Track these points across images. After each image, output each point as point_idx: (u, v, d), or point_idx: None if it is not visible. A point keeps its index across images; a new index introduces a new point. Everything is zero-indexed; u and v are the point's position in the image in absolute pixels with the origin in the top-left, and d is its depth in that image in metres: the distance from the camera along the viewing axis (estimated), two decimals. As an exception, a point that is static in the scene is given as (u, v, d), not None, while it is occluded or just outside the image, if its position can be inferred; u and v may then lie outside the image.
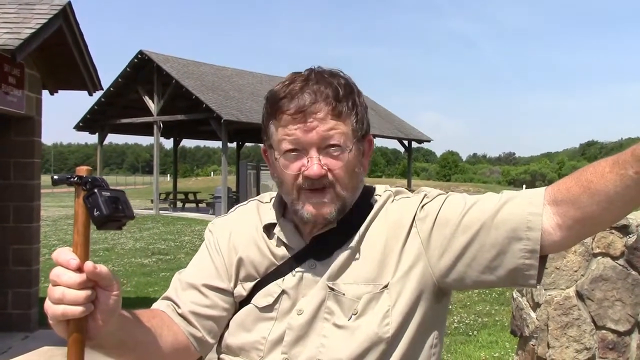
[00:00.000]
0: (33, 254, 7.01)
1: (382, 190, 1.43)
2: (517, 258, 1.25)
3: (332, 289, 1.30)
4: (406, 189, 1.48)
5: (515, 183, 64.28)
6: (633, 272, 3.87)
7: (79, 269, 1.02)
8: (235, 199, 23.39)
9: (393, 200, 1.41)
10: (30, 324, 7.04)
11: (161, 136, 26.66)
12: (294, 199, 1.32)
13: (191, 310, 1.36)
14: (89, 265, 1.03)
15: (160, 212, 25.24)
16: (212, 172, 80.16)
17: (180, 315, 1.36)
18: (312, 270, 1.34)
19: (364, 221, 1.36)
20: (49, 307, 1.04)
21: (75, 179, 1.06)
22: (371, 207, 1.39)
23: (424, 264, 1.30)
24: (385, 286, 1.29)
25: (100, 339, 1.10)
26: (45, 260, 12.46)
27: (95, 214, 1.04)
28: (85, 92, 7.83)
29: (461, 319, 7.61)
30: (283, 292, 1.33)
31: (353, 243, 1.34)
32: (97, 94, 9.73)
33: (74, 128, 26.89)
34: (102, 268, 1.04)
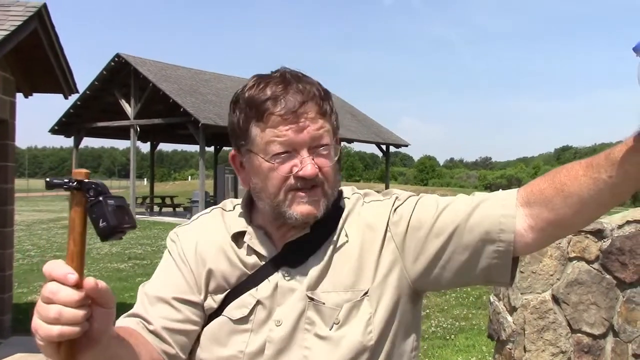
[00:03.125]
0: (6, 259, 6.90)
1: (349, 192, 1.42)
2: (491, 259, 1.26)
3: (312, 299, 1.27)
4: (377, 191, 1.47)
5: (491, 187, 64.83)
6: (607, 276, 3.92)
7: (77, 285, 0.93)
8: (213, 203, 23.23)
9: (363, 203, 1.39)
10: (4, 331, 6.93)
11: (138, 140, 26.46)
12: (280, 202, 1.27)
13: (163, 325, 1.29)
14: (90, 282, 0.94)
15: (137, 216, 25.00)
16: (189, 176, 79.78)
17: (152, 332, 1.28)
18: (287, 278, 1.30)
19: (336, 225, 1.35)
20: (41, 327, 0.94)
21: (75, 184, 0.97)
22: (341, 210, 1.37)
23: (400, 268, 1.30)
24: (365, 293, 1.28)
25: (89, 358, 1.02)
26: (19, 265, 12.28)
27: (101, 225, 0.96)
28: (61, 95, 7.75)
29: (439, 323, 7.65)
30: (258, 302, 1.29)
31: (328, 249, 1.32)
32: (73, 97, 9.62)
33: (49, 131, 26.59)
34: (102, 284, 0.96)
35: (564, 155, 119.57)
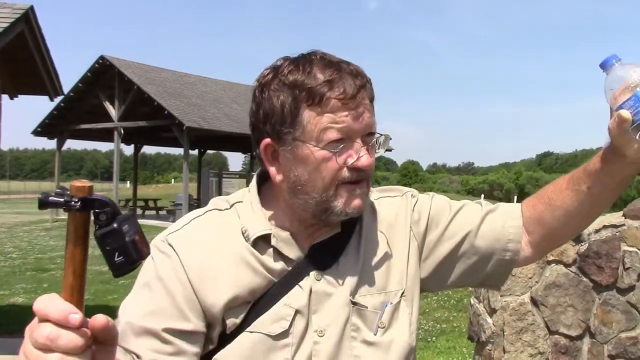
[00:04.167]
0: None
1: None
2: (496, 266, 1.32)
3: (355, 304, 1.19)
4: None
5: (474, 192, 65.14)
6: (584, 279, 4.01)
7: (80, 326, 0.75)
8: (197, 206, 23.12)
9: (374, 199, 1.34)
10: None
11: (122, 142, 26.33)
12: (331, 196, 1.15)
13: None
14: (100, 321, 0.76)
15: (120, 219, 24.81)
16: (172, 179, 79.27)
17: None
18: (320, 283, 1.19)
19: (355, 224, 1.27)
20: None
21: (78, 203, 0.76)
22: None
23: (418, 268, 1.30)
24: (402, 293, 1.25)
25: None
26: (0, 268, 12.20)
27: (117, 260, 0.78)
28: (43, 97, 7.75)
29: (420, 326, 7.68)
30: (297, 312, 1.16)
31: (357, 249, 1.25)
32: (57, 99, 9.60)
33: (32, 133, 26.33)
34: (112, 321, 0.78)
35: (545, 161, 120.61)
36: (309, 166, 1.14)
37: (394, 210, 1.33)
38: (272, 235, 1.19)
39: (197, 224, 1.23)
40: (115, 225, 0.77)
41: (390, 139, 1.21)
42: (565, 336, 4.09)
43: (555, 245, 1.38)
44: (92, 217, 0.77)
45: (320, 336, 1.16)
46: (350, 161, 1.14)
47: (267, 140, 1.18)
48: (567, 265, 4.10)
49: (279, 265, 1.18)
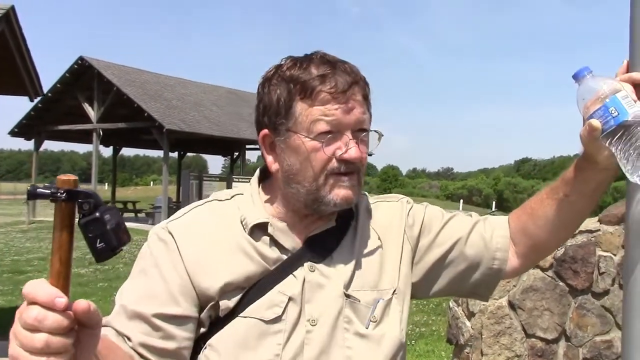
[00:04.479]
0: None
1: None
2: (484, 275, 1.37)
3: (348, 296, 1.23)
4: None
5: (452, 197, 65.61)
6: (561, 283, 4.09)
7: (65, 309, 0.80)
8: (176, 209, 23.06)
9: (370, 202, 1.39)
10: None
11: (100, 144, 26.12)
12: (320, 185, 1.21)
13: (142, 342, 1.17)
14: (82, 305, 0.81)
15: (98, 221, 24.61)
16: (151, 182, 78.75)
17: (132, 348, 1.17)
18: (313, 274, 1.24)
19: (350, 221, 1.32)
20: (24, 357, 0.80)
21: (64, 195, 0.82)
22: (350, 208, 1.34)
23: (410, 270, 1.34)
24: (394, 291, 1.29)
25: None
26: (-21, 268, 12.03)
27: (99, 246, 0.84)
28: (20, 97, 7.68)
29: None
30: (290, 299, 1.20)
31: (351, 245, 1.29)
32: (36, 100, 9.52)
33: (9, 134, 26.01)
34: (94, 306, 0.83)
35: (523, 167, 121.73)
36: (300, 156, 1.21)
37: (390, 213, 1.38)
38: (269, 224, 1.24)
39: (196, 213, 1.29)
40: (97, 214, 0.84)
41: (382, 135, 1.26)
42: (542, 339, 4.16)
43: (541, 255, 1.42)
44: (77, 209, 0.84)
45: (312, 325, 1.20)
46: (338, 153, 1.20)
47: (265, 131, 1.25)
48: (544, 270, 4.18)
49: (275, 254, 1.23)
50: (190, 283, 1.19)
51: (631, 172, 1.07)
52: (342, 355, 1.20)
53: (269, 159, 1.27)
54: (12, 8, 6.75)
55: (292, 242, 1.26)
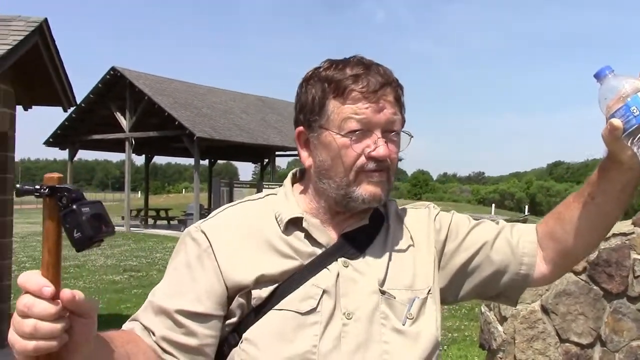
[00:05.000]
0: (5, 269, 6.94)
1: None
2: (511, 280, 1.37)
3: (384, 292, 1.25)
4: None
5: (484, 202, 64.97)
6: (595, 287, 4.02)
7: (53, 297, 0.87)
8: (207, 215, 23.16)
9: (398, 208, 1.42)
10: (2, 340, 6.96)
11: (133, 152, 26.51)
12: (350, 182, 1.24)
13: (165, 337, 1.20)
14: (67, 294, 0.88)
15: (131, 229, 25.00)
16: (183, 189, 79.56)
17: (155, 341, 1.21)
18: (347, 269, 1.25)
19: (382, 222, 1.35)
20: (17, 342, 0.88)
21: (46, 190, 0.90)
22: (385, 208, 1.38)
23: (438, 273, 1.36)
24: (429, 291, 1.30)
25: None
26: (15, 276, 12.26)
27: (75, 235, 0.89)
28: (54, 108, 7.83)
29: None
30: (324, 292, 1.22)
31: (384, 245, 1.31)
32: (69, 110, 9.71)
33: (44, 144, 26.60)
34: (79, 295, 0.90)
35: (556, 170, 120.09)
36: (331, 152, 1.25)
37: (418, 218, 1.40)
38: (303, 219, 1.28)
39: (229, 212, 1.34)
40: (74, 207, 0.89)
41: (412, 137, 1.30)
42: (576, 344, 4.09)
43: (571, 261, 1.40)
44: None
45: (348, 318, 1.21)
46: (367, 150, 1.23)
47: (300, 128, 1.31)
48: (577, 274, 4.11)
49: (309, 248, 1.26)
50: (222, 279, 1.22)
51: None
52: (379, 350, 1.21)
53: (304, 155, 1.32)
54: (45, 21, 6.91)
55: (326, 237, 1.28)
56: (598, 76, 1.13)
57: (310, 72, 1.31)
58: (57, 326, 0.88)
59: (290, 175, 1.40)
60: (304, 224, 1.28)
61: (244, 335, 1.21)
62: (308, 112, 1.28)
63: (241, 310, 1.23)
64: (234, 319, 1.23)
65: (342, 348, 1.19)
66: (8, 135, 7.06)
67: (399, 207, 1.43)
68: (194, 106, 25.06)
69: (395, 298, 1.25)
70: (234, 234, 1.27)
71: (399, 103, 1.28)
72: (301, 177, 1.39)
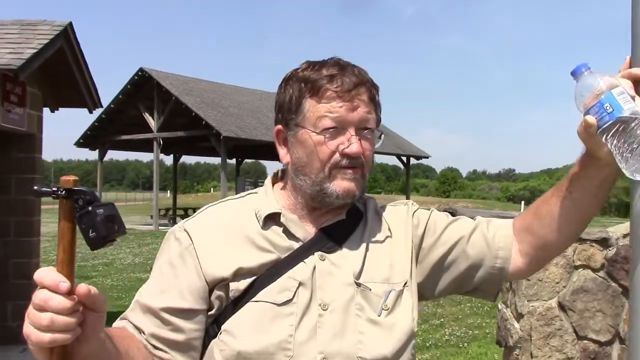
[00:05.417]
0: (32, 267, 7.11)
1: None
2: (487, 274, 1.39)
3: (359, 285, 1.29)
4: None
5: (514, 199, 64.25)
6: (613, 284, 3.99)
7: (68, 292, 0.93)
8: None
9: (377, 205, 1.46)
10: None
11: (161, 152, 26.84)
12: (324, 178, 1.29)
13: (153, 334, 1.25)
14: (83, 289, 0.94)
15: (160, 228, 25.32)
16: (212, 189, 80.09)
17: (145, 339, 1.26)
18: (324, 262, 1.30)
19: (360, 217, 1.39)
20: (33, 334, 0.93)
21: (63, 192, 0.96)
22: (363, 205, 1.43)
23: (416, 268, 1.39)
24: (405, 284, 1.33)
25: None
26: (45, 275, 12.46)
27: (91, 235, 0.95)
28: (86, 109, 8.00)
29: (452, 332, 7.73)
30: (300, 284, 1.26)
31: (361, 239, 1.35)
32: (98, 111, 9.90)
33: (75, 144, 27.07)
34: (94, 290, 0.96)
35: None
36: (307, 149, 1.30)
37: (397, 214, 1.44)
38: (281, 215, 1.32)
39: (212, 210, 1.39)
40: (89, 208, 0.95)
41: (382, 134, 1.36)
42: (594, 341, 4.07)
43: (547, 256, 1.42)
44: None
45: (324, 310, 1.25)
46: (341, 147, 1.28)
47: (279, 126, 1.36)
48: (595, 270, 4.09)
49: (286, 242, 1.31)
50: (202, 274, 1.27)
51: (626, 168, 1.06)
52: (354, 340, 1.24)
53: (282, 152, 1.37)
54: (70, 24, 7.06)
55: (304, 232, 1.33)
56: (574, 73, 1.14)
57: (289, 73, 1.35)
58: (72, 320, 0.93)
59: (270, 175, 1.45)
60: (282, 219, 1.32)
61: (223, 327, 1.25)
62: (286, 111, 1.33)
63: (220, 302, 1.27)
64: (213, 311, 1.28)
65: (318, 337, 1.23)
66: (36, 137, 7.24)
67: (379, 205, 1.46)
68: (221, 106, 25.28)
69: (371, 290, 1.29)
70: (215, 231, 1.32)
71: (373, 102, 1.32)
72: (282, 176, 1.43)
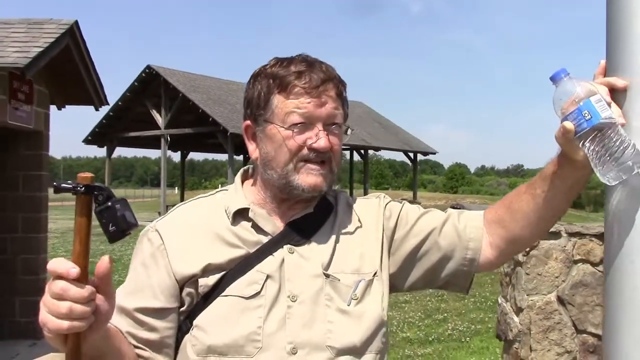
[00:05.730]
0: (40, 263, 7.20)
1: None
2: (458, 265, 1.41)
3: (328, 276, 1.32)
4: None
5: (522, 195, 63.72)
6: (612, 278, 4.02)
7: (79, 279, 1.00)
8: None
9: (349, 198, 1.49)
10: (38, 331, 7.22)
11: (168, 149, 26.90)
12: (290, 171, 1.31)
13: (130, 333, 1.30)
14: (105, 260, 1.03)
15: (168, 224, 25.36)
16: (219, 185, 79.86)
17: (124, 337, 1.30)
18: (292, 255, 1.33)
19: (330, 210, 1.42)
20: (51, 321, 1.00)
21: (82, 188, 1.01)
22: (334, 197, 1.45)
23: (387, 259, 1.42)
24: (375, 274, 1.36)
25: (88, 348, 1.07)
26: (53, 271, 12.57)
27: (111, 229, 1.02)
28: (91, 106, 8.08)
29: (455, 326, 7.77)
30: (268, 277, 1.29)
31: (330, 231, 1.38)
32: (105, 108, 9.99)
33: (83, 142, 27.13)
34: (110, 263, 1.04)
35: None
36: (275, 143, 1.32)
37: (368, 206, 1.47)
38: (250, 210, 1.35)
39: (181, 209, 1.42)
40: (109, 203, 1.03)
41: (351, 129, 1.39)
42: (594, 335, 4.10)
43: (515, 249, 1.46)
44: (93, 199, 1.04)
45: (293, 301, 1.28)
46: (309, 142, 1.31)
47: (247, 122, 1.40)
48: (594, 265, 4.12)
49: (255, 237, 1.34)
50: (172, 273, 1.30)
51: (602, 173, 1.09)
52: (324, 329, 1.28)
53: (251, 147, 1.40)
54: (76, 23, 7.12)
55: (273, 226, 1.35)
56: (554, 79, 1.15)
57: (258, 69, 1.38)
58: (89, 308, 1.01)
59: (241, 171, 1.47)
60: (250, 214, 1.35)
61: (194, 322, 1.29)
62: (254, 107, 1.36)
63: (191, 299, 1.31)
64: (185, 307, 1.31)
65: (287, 328, 1.26)
66: (43, 134, 7.32)
67: (352, 198, 1.49)
68: (228, 102, 25.30)
69: (340, 280, 1.32)
70: (185, 229, 1.35)
71: (340, 98, 1.35)
72: (252, 173, 1.46)
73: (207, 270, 1.29)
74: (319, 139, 1.30)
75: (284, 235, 1.35)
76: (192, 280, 1.30)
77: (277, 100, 1.32)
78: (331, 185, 1.38)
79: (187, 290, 1.30)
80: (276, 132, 1.32)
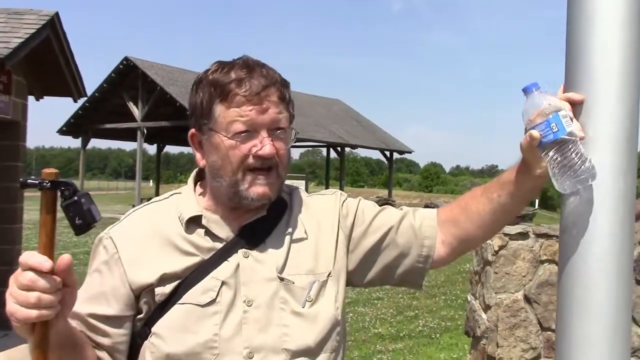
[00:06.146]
0: (15, 254, 7.15)
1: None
2: (414, 261, 1.45)
3: (282, 279, 1.33)
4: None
5: (496, 195, 64.25)
6: (576, 278, 4.17)
7: (51, 272, 1.04)
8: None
9: (305, 195, 1.50)
10: (10, 322, 7.20)
11: (145, 142, 26.76)
12: (238, 181, 1.31)
13: (86, 336, 1.32)
14: (66, 258, 1.06)
15: (142, 217, 25.24)
16: (195, 179, 79.34)
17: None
18: (247, 259, 1.34)
19: (284, 210, 1.43)
20: (20, 311, 1.04)
21: (48, 184, 1.06)
22: (288, 196, 1.46)
23: (345, 256, 1.44)
24: (329, 274, 1.38)
25: (54, 337, 1.11)
26: (26, 262, 12.45)
27: (77, 222, 1.07)
28: (69, 98, 8.06)
29: (426, 323, 7.92)
30: (223, 283, 1.30)
31: (284, 233, 1.39)
32: (82, 99, 9.92)
33: (58, 132, 26.91)
34: (71, 260, 1.07)
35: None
36: (220, 152, 1.32)
37: (324, 204, 1.49)
38: (202, 217, 1.36)
39: (135, 216, 1.42)
40: (75, 198, 1.08)
41: (297, 132, 1.40)
42: (557, 333, 4.25)
43: (468, 247, 1.50)
44: (58, 194, 1.08)
45: (248, 306, 1.30)
46: (254, 150, 1.30)
47: (193, 130, 1.39)
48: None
49: (209, 243, 1.34)
50: (127, 282, 1.31)
51: (560, 182, 1.18)
52: (279, 332, 1.30)
53: (198, 156, 1.40)
54: (57, 14, 7.10)
55: (226, 231, 1.36)
56: (525, 91, 1.24)
57: (200, 76, 1.37)
58: (56, 298, 1.06)
59: (194, 173, 1.47)
60: (203, 221, 1.35)
61: (152, 330, 1.30)
62: (198, 116, 1.35)
63: (148, 307, 1.32)
64: (142, 315, 1.33)
65: (243, 333, 1.28)
66: (20, 124, 7.28)
67: (307, 194, 1.51)
68: (205, 97, 25.18)
69: (294, 283, 1.33)
70: (139, 238, 1.35)
71: (284, 102, 1.35)
72: (205, 175, 1.45)
73: (162, 280, 1.30)
74: (263, 145, 1.30)
75: (238, 240, 1.35)
76: (148, 289, 1.31)
77: (219, 109, 1.31)
78: (280, 191, 1.40)
79: (143, 299, 1.32)
80: (220, 141, 1.31)
